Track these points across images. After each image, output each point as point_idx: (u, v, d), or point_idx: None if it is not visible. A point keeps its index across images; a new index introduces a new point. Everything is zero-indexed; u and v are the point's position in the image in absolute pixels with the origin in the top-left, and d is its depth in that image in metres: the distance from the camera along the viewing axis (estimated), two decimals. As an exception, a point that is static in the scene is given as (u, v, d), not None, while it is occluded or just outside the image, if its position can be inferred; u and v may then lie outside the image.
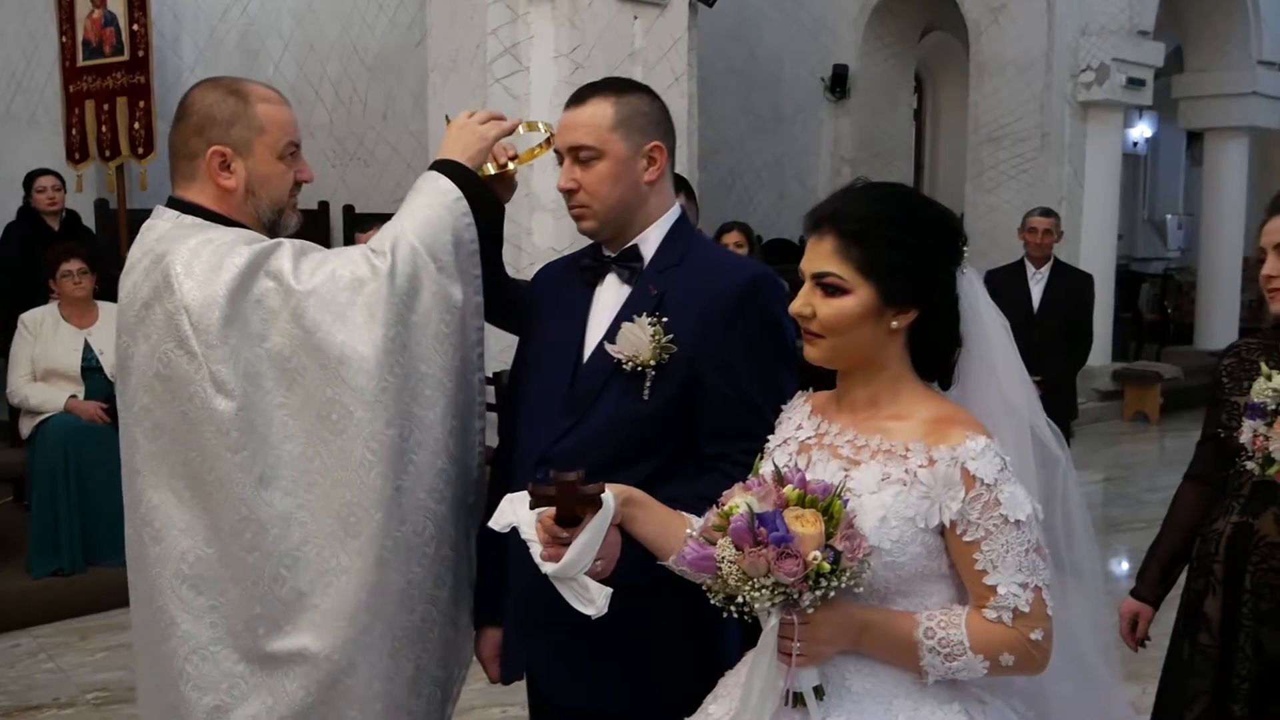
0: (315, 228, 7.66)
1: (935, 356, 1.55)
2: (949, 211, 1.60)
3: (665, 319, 1.75)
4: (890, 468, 1.47)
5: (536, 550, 1.62)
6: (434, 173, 1.89)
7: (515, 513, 1.64)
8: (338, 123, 7.93)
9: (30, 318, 5.01)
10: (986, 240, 8.82)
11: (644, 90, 1.86)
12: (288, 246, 1.78)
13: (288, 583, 1.72)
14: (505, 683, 1.99)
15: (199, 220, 1.81)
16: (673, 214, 1.86)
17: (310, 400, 1.72)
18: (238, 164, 1.82)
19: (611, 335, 1.78)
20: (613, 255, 1.85)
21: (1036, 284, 5.41)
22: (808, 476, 1.47)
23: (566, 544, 1.57)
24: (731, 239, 4.84)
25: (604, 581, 1.62)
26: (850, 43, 10.74)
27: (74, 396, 4.87)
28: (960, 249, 1.54)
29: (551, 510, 1.58)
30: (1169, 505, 2.40)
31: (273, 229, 1.88)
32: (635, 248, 1.83)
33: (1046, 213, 5.54)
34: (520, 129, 1.99)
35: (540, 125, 2.03)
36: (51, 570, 4.69)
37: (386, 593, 1.76)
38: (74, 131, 6.33)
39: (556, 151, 1.88)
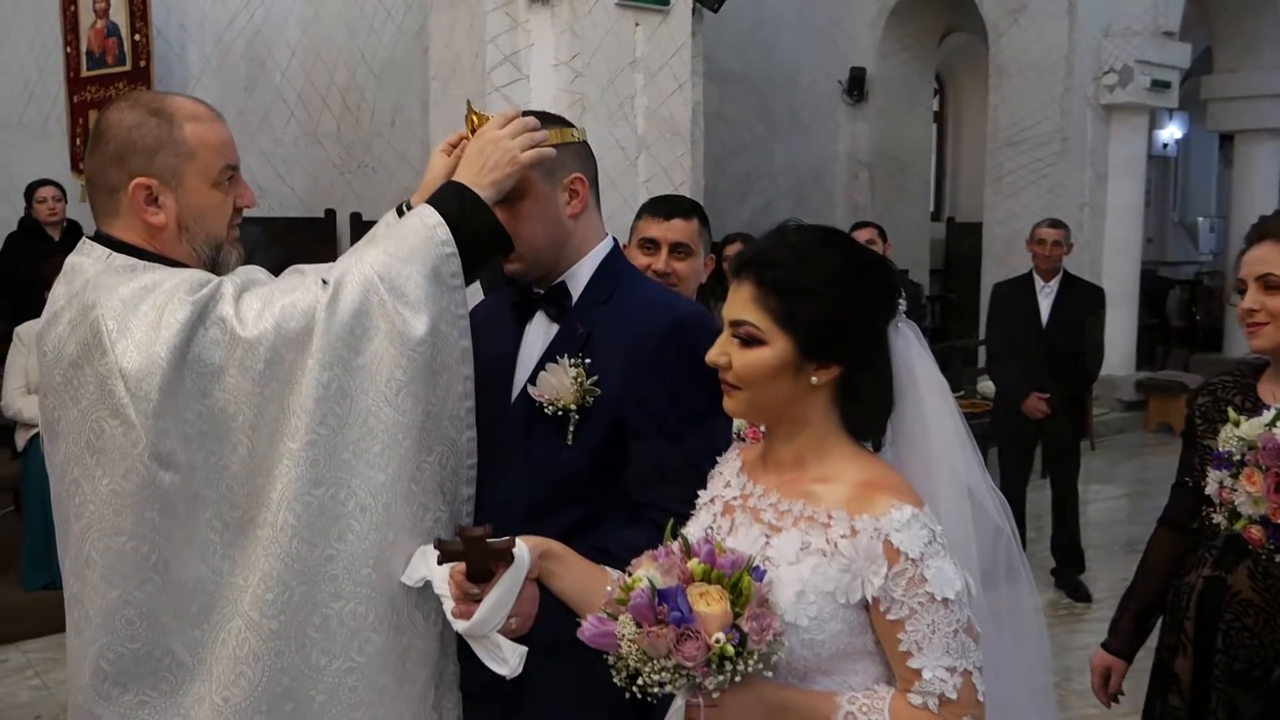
0: (322, 236, 7.64)
1: (864, 415, 1.45)
2: (881, 262, 1.50)
3: (589, 360, 1.66)
4: (811, 536, 1.37)
5: (449, 607, 1.55)
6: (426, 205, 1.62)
7: (428, 566, 1.57)
8: (345, 130, 7.90)
9: (25, 330, 5.00)
10: (1005, 247, 8.67)
11: (558, 121, 1.77)
12: (228, 286, 1.55)
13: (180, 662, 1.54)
14: None
15: (131, 260, 1.58)
16: (603, 248, 1.78)
17: (251, 458, 1.52)
18: (166, 197, 1.58)
19: (536, 377, 1.70)
20: (541, 292, 1.77)
21: (1045, 297, 5.26)
22: (728, 543, 1.38)
23: (479, 600, 1.51)
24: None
25: (523, 639, 1.55)
26: (868, 45, 10.58)
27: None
28: (894, 303, 1.43)
29: (463, 566, 1.51)
30: (1143, 551, 2.29)
31: (212, 266, 1.65)
32: (563, 284, 1.75)
33: (1055, 224, 5.39)
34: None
35: (574, 133, 1.78)
36: (44, 583, 4.68)
37: (311, 688, 1.52)
38: (78, 141, 6.36)
39: None
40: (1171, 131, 13.40)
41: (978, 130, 11.33)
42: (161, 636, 1.53)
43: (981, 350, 7.55)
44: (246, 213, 1.72)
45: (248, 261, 1.75)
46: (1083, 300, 5.27)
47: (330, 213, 7.88)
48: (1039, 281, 5.30)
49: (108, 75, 6.25)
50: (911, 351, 1.45)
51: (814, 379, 1.39)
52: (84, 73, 6.29)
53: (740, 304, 1.41)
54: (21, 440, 4.95)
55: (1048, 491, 5.52)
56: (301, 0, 7.82)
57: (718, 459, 1.61)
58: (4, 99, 7.06)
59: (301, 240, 6.77)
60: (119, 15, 6.12)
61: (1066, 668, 4.15)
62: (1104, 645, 2.26)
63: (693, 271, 2.68)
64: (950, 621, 1.32)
